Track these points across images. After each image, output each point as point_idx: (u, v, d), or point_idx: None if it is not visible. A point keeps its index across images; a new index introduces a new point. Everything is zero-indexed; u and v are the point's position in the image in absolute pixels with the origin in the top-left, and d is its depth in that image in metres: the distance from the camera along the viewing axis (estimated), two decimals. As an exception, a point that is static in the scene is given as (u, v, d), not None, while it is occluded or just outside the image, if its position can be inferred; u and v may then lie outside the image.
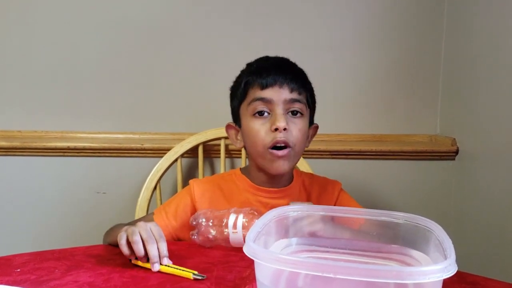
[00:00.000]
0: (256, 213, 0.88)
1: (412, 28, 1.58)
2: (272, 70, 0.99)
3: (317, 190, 1.09)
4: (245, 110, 1.00)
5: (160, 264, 0.78)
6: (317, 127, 1.10)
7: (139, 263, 0.79)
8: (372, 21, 1.57)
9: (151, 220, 1.00)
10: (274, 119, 0.96)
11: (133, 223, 0.92)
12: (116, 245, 0.84)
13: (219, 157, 1.45)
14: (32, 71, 1.52)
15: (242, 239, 0.86)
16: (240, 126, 1.04)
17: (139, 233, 0.80)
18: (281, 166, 0.98)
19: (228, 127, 1.09)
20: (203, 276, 0.75)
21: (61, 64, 1.52)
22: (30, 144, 1.46)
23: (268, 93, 0.97)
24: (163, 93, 1.55)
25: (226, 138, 1.43)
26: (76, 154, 1.49)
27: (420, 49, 1.59)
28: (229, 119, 1.11)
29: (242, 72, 1.06)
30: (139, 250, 0.78)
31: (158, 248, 0.79)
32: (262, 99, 0.97)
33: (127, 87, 1.54)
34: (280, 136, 0.95)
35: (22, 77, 1.52)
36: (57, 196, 1.51)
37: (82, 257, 0.84)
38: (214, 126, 1.43)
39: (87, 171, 1.51)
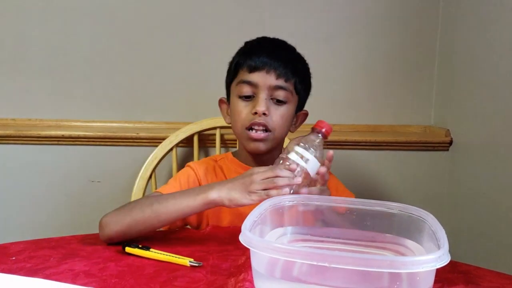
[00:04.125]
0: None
1: (407, 19, 1.57)
2: (262, 53, 1.01)
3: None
4: (234, 88, 1.04)
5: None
6: (306, 114, 1.12)
7: (134, 251, 0.80)
8: (367, 12, 1.57)
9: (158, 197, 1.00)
10: (255, 103, 0.99)
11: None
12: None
13: (215, 146, 1.45)
14: (26, 59, 1.51)
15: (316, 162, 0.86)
16: (229, 102, 1.07)
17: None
18: (257, 147, 1.01)
19: (220, 101, 1.12)
20: (199, 263, 0.75)
21: (56, 52, 1.51)
22: (25, 132, 1.45)
23: (254, 77, 0.99)
24: (159, 82, 1.55)
25: (221, 127, 1.43)
26: (71, 142, 1.48)
27: (415, 40, 1.59)
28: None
29: (239, 50, 1.08)
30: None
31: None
32: (248, 82, 1.00)
33: (122, 76, 1.54)
34: (258, 119, 0.98)
35: (16, 65, 1.51)
36: (51, 185, 1.51)
37: (78, 246, 0.84)
38: (210, 116, 1.43)
39: (81, 159, 1.51)
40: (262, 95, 0.98)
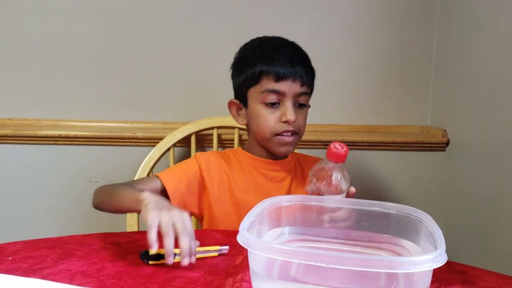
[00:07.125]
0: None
1: (404, 19, 1.58)
2: (286, 61, 1.02)
3: (310, 167, 1.13)
4: (256, 95, 1.04)
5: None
6: (308, 107, 1.15)
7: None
8: (364, 11, 1.57)
9: (156, 185, 1.05)
10: (284, 111, 1.02)
11: (137, 184, 1.02)
12: (116, 209, 0.95)
13: (212, 146, 1.45)
14: (24, 59, 1.50)
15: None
16: (245, 105, 1.08)
17: (174, 223, 0.73)
18: (288, 150, 1.07)
19: (230, 103, 1.12)
20: (226, 248, 0.79)
21: (53, 52, 1.51)
22: (21, 132, 1.45)
23: (281, 86, 1.02)
24: (156, 82, 1.54)
25: (218, 128, 1.43)
26: (68, 142, 1.48)
27: (412, 40, 1.59)
28: (223, 108, 1.13)
29: (252, 51, 1.08)
30: (169, 246, 0.72)
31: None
32: (276, 91, 1.02)
33: (119, 75, 1.53)
34: (289, 127, 1.03)
35: (14, 64, 1.51)
36: (48, 185, 1.50)
37: (75, 246, 0.84)
38: (207, 116, 1.43)
39: (78, 159, 1.51)
40: (290, 104, 1.02)
